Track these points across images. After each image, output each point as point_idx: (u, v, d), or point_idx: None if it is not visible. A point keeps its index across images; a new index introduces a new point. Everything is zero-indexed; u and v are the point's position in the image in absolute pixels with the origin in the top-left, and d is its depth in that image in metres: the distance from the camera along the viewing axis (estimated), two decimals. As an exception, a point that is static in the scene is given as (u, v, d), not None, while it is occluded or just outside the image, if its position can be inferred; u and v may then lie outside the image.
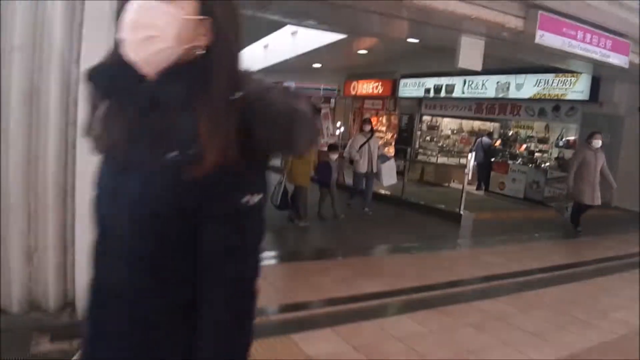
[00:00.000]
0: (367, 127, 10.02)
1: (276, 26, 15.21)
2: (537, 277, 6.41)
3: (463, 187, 9.94)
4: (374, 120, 20.52)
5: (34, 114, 3.69)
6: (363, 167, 9.76)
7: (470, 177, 10.44)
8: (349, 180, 10.57)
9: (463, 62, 8.60)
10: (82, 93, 3.81)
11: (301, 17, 10.26)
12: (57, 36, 3.66)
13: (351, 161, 9.96)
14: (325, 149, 9.70)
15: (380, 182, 10.05)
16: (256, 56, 20.53)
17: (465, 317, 4.79)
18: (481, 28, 8.09)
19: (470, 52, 8.65)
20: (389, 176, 10.01)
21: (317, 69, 21.60)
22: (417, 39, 10.85)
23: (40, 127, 3.71)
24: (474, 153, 11.57)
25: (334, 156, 9.14)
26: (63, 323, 3.83)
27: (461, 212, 9.56)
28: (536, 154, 15.02)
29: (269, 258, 6.48)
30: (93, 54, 3.82)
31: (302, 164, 8.13)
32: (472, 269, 6.57)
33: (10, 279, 3.79)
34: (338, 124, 22.14)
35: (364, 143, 9.78)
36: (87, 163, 3.77)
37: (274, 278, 5.55)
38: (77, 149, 3.78)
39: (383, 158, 10.07)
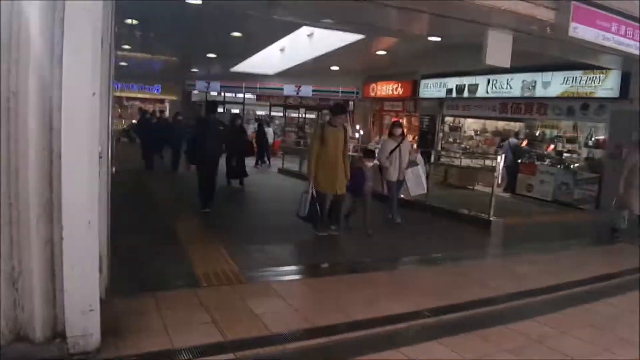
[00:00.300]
0: (398, 131, 9.19)
1: (292, 28, 14.81)
2: (577, 291, 5.85)
3: (492, 191, 9.33)
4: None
5: (11, 120, 3.26)
6: (394, 175, 9.03)
7: (500, 181, 9.82)
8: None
9: (490, 59, 8.11)
10: (66, 95, 3.46)
11: (317, 16, 9.84)
12: (35, 31, 3.23)
13: (380, 168, 9.23)
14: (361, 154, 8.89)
15: (409, 191, 9.32)
16: (272, 59, 20.23)
17: (503, 341, 4.25)
18: (510, 21, 7.60)
19: (498, 47, 8.17)
20: (415, 184, 9.27)
21: (334, 71, 21.31)
22: (438, 36, 10.38)
23: (19, 134, 3.28)
24: (503, 155, 10.84)
25: (370, 163, 8.34)
26: (52, 355, 3.44)
27: (491, 219, 8.98)
28: (565, 155, 14.37)
29: (289, 273, 6.01)
30: (77, 52, 3.46)
31: (327, 167, 7.47)
32: (507, 282, 5.99)
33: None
34: (357, 126, 21.77)
35: (395, 148, 9.02)
36: (75, 174, 3.37)
37: (293, 297, 5.03)
38: (63, 159, 3.34)
39: (410, 164, 9.27)
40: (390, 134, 9.30)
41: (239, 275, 5.50)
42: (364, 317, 4.53)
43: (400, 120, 11.07)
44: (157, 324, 4.10)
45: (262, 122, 20.73)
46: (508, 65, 8.45)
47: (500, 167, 9.57)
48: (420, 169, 9.36)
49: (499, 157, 9.79)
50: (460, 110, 17.82)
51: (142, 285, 5.03)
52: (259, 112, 27.51)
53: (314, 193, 7.52)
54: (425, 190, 9.57)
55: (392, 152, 9.00)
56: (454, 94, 17.36)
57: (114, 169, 7.85)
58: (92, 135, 3.45)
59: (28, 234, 3.38)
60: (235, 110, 28.13)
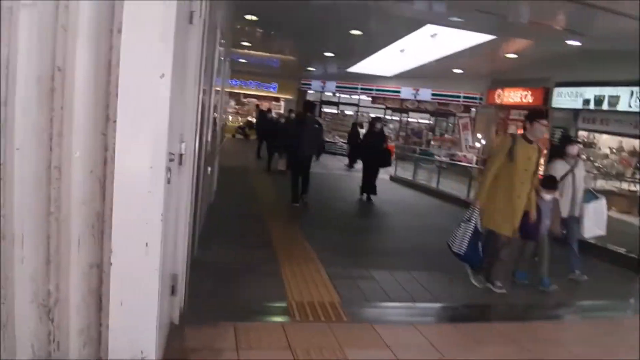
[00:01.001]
0: (574, 150, 6.85)
1: (414, 27, 13.83)
2: None
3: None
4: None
5: (55, 107, 2.51)
6: (564, 209, 6.62)
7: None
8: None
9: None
10: (125, 76, 2.66)
11: (445, 14, 8.89)
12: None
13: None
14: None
15: (581, 230, 6.84)
16: (391, 60, 19.37)
17: None
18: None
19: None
20: (593, 224, 6.89)
21: (457, 74, 20.09)
22: (580, 34, 9.02)
23: (64, 125, 2.52)
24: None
25: (549, 196, 6.11)
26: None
27: (643, 259, 7.31)
28: None
29: (402, 314, 4.96)
30: (141, 18, 2.64)
31: (508, 197, 5.61)
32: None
33: (16, 342, 2.65)
34: (479, 135, 20.42)
35: (567, 173, 6.69)
36: (130, 181, 2.57)
37: (402, 350, 3.84)
38: (117, 159, 2.55)
39: (589, 196, 6.96)
40: (562, 154, 6.90)
41: (340, 309, 4.52)
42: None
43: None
44: (231, 371, 3.26)
45: (356, 123, 20.20)
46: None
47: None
48: (604, 205, 7.02)
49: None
50: (598, 124, 15.92)
51: (224, 309, 4.24)
52: (372, 115, 26.86)
53: (479, 226, 5.64)
54: (604, 232, 7.04)
55: (563, 177, 6.66)
56: (591, 106, 15.54)
57: (209, 169, 7.28)
58: (158, 130, 2.61)
59: (69, 253, 2.63)
60: (349, 112, 27.71)
